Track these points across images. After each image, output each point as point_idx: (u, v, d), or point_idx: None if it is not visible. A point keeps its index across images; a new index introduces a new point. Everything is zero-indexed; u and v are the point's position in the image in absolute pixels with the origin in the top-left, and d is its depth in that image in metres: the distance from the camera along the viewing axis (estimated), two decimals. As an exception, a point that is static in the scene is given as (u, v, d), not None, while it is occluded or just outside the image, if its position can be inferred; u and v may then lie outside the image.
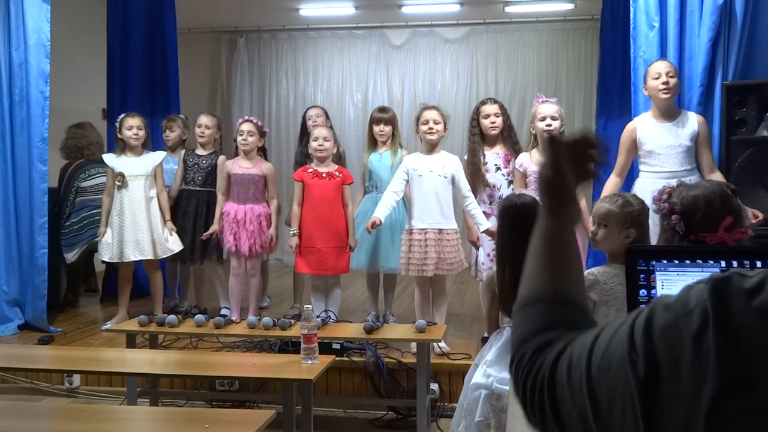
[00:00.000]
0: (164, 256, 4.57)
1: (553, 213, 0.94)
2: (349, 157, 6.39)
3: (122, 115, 4.61)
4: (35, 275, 4.51)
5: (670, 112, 3.68)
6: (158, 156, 4.62)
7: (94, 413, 2.60)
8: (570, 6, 6.95)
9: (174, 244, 4.56)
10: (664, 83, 3.59)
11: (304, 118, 5.06)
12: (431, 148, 4.08)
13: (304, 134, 4.95)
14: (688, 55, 3.83)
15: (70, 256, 4.96)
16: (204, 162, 4.76)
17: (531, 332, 0.82)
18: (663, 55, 3.88)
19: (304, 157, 4.77)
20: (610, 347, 0.68)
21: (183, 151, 4.87)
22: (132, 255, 4.50)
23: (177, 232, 4.61)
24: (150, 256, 4.51)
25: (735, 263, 1.28)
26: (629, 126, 3.79)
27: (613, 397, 0.66)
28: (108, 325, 4.36)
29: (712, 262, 1.30)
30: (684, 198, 2.05)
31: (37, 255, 4.50)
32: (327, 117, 5.02)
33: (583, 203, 3.91)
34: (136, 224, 4.48)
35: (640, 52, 3.96)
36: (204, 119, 4.84)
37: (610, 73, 5.08)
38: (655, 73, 3.63)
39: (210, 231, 4.49)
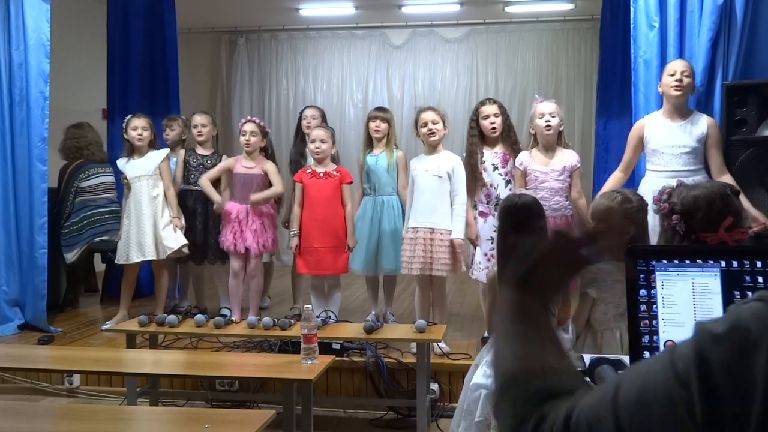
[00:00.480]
0: (165, 256, 4.54)
1: (521, 286, 0.86)
2: (349, 157, 6.39)
3: (128, 117, 4.62)
4: (35, 275, 4.51)
5: (681, 111, 3.66)
6: (161, 154, 4.62)
7: (94, 413, 2.59)
8: (570, 6, 6.95)
9: (174, 241, 4.53)
10: (677, 80, 3.57)
11: (300, 117, 5.05)
12: (433, 148, 4.08)
13: (299, 133, 4.96)
14: (688, 55, 3.83)
15: (70, 256, 4.95)
16: (208, 162, 4.76)
17: (521, 415, 0.71)
18: (663, 55, 3.88)
19: (298, 156, 4.78)
20: (645, 395, 0.61)
21: (183, 151, 4.87)
22: (135, 256, 4.51)
23: (186, 233, 4.59)
24: (151, 257, 4.51)
25: (735, 263, 1.28)
26: (638, 123, 3.78)
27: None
28: (108, 325, 4.36)
29: (712, 262, 1.29)
30: (684, 198, 2.05)
31: (37, 255, 4.50)
32: (323, 119, 5.00)
33: (582, 201, 3.92)
34: (140, 225, 4.48)
35: (640, 52, 3.95)
36: (199, 118, 4.84)
37: (610, 73, 5.08)
38: (671, 70, 3.62)
39: (216, 208, 4.49)
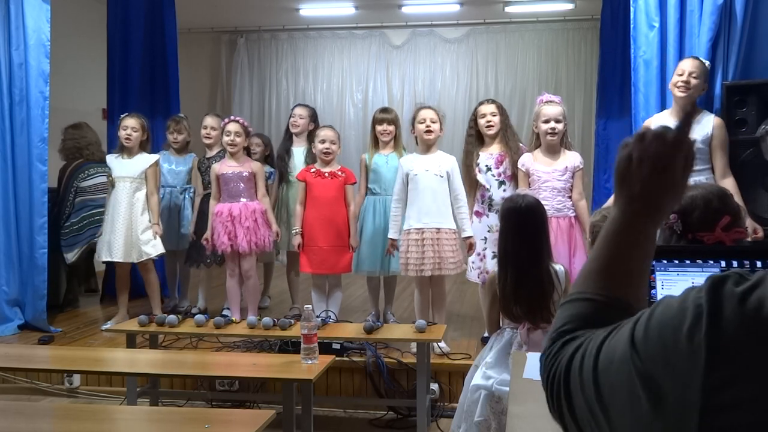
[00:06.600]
0: (139, 261, 4.51)
1: (633, 201, 0.85)
2: (349, 158, 6.40)
3: (123, 115, 4.62)
4: (35, 275, 4.51)
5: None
6: (150, 159, 4.57)
7: (94, 413, 2.59)
8: (570, 6, 6.96)
9: (152, 248, 4.49)
10: (683, 81, 3.53)
11: (291, 114, 5.03)
12: (428, 148, 4.07)
13: (287, 131, 4.96)
14: (688, 55, 3.82)
15: (70, 256, 4.96)
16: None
17: (564, 327, 0.82)
18: (663, 55, 3.88)
19: (284, 152, 4.81)
20: (612, 344, 0.70)
21: (195, 160, 4.87)
22: (104, 255, 4.51)
23: (200, 233, 4.56)
24: (118, 259, 4.48)
25: (735, 263, 1.28)
26: (646, 123, 3.77)
27: (614, 389, 0.68)
28: (108, 325, 4.36)
29: (711, 262, 1.30)
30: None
31: (37, 255, 4.50)
32: (312, 119, 4.91)
33: (583, 202, 3.92)
34: (113, 226, 4.47)
35: (640, 52, 3.95)
36: (210, 120, 4.86)
37: (610, 73, 5.08)
38: (679, 70, 3.59)
39: (205, 237, 4.43)
